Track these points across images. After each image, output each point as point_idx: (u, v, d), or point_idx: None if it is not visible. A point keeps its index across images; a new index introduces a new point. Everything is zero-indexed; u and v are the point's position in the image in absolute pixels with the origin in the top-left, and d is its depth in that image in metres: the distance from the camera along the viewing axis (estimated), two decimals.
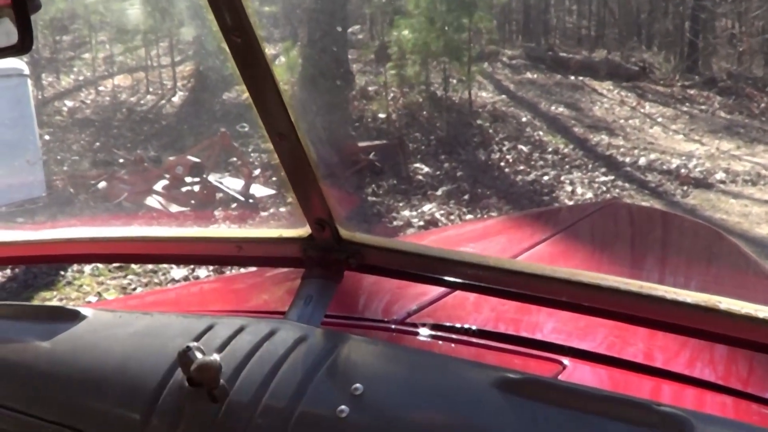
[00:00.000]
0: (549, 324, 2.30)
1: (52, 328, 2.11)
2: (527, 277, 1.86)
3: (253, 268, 3.57)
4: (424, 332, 2.17)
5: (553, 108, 19.23)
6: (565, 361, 1.98)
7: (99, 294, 8.36)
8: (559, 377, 1.89)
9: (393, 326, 2.22)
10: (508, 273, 1.88)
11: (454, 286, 2.09)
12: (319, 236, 2.01)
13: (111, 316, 2.13)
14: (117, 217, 11.16)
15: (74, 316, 2.13)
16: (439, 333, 2.16)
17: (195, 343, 1.68)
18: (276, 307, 2.48)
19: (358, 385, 1.62)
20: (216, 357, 1.65)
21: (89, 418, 1.83)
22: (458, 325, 2.17)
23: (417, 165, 13.99)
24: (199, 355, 1.64)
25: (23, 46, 1.62)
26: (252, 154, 14.20)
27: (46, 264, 8.51)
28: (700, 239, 3.92)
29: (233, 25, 1.64)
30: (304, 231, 2.04)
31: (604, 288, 1.76)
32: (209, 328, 1.88)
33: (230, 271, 7.27)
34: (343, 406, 1.58)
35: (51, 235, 2.53)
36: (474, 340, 2.11)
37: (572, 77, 22.49)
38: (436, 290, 2.38)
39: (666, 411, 1.48)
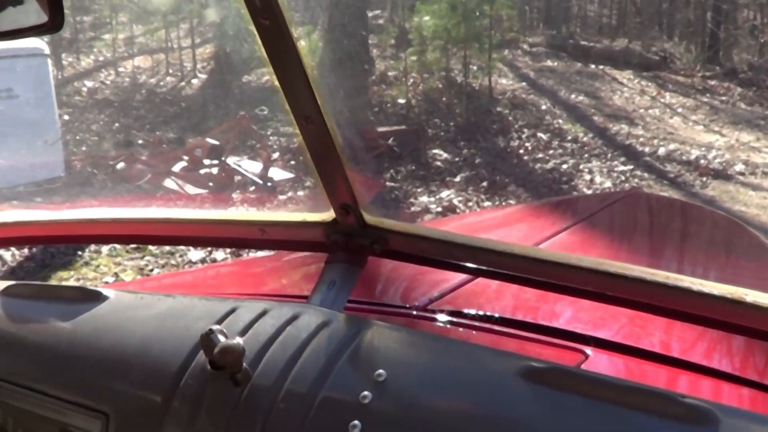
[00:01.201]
0: (570, 313, 2.29)
1: (73, 308, 2.11)
2: (553, 266, 1.85)
3: (271, 252, 3.56)
4: (445, 319, 2.16)
5: (572, 96, 19.17)
6: (588, 350, 1.97)
7: (116, 274, 8.37)
8: (582, 367, 1.88)
9: (415, 312, 2.22)
10: (533, 261, 1.87)
11: (478, 274, 2.08)
12: (343, 221, 2.00)
13: (133, 298, 2.12)
14: (135, 198, 11.16)
15: (96, 297, 2.13)
16: (461, 320, 2.15)
17: (218, 326, 1.68)
18: (297, 291, 2.48)
19: (381, 371, 1.61)
20: (239, 340, 1.64)
21: (110, 399, 1.83)
22: (480, 313, 2.16)
23: (436, 151, 13.96)
24: (222, 338, 1.64)
25: (53, 24, 1.61)
26: (271, 138, 14.20)
27: (66, 244, 8.52)
28: (721, 230, 3.90)
29: (262, 7, 1.63)
30: (327, 215, 2.03)
31: (630, 278, 1.75)
32: (232, 311, 1.87)
33: (247, 255, 7.27)
34: (365, 392, 1.58)
35: (71, 215, 2.53)
36: (496, 327, 2.11)
37: (592, 66, 22.42)
38: (458, 277, 2.37)
39: (691, 403, 1.47)
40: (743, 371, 2.03)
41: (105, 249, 8.99)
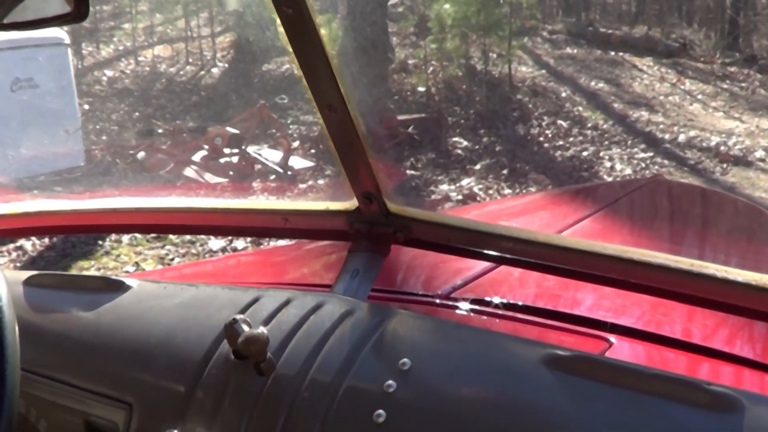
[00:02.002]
0: (593, 301, 2.28)
1: (96, 298, 2.11)
2: (576, 254, 1.84)
3: (293, 241, 3.56)
4: (468, 307, 2.16)
5: (592, 83, 19.10)
6: (611, 338, 1.96)
7: (137, 264, 8.38)
8: (606, 355, 1.88)
9: (438, 301, 2.22)
10: (557, 249, 1.87)
11: (502, 262, 2.07)
12: (366, 209, 2.00)
13: (156, 287, 2.12)
14: (156, 187, 11.18)
15: (119, 287, 2.13)
16: (484, 308, 2.15)
17: (241, 316, 1.68)
18: (320, 280, 2.48)
19: (405, 359, 1.61)
20: (263, 330, 1.64)
21: (134, 389, 1.83)
22: (503, 301, 2.16)
23: (456, 139, 13.93)
24: (245, 328, 1.64)
25: (78, 14, 1.61)
26: (291, 126, 14.20)
27: (87, 234, 8.54)
28: (744, 217, 3.89)
29: None
30: (351, 204, 2.03)
31: (655, 265, 1.74)
32: (255, 300, 1.87)
33: (267, 244, 7.27)
34: (390, 381, 1.58)
35: (92, 205, 2.53)
36: (519, 315, 2.10)
37: (612, 53, 22.33)
38: (481, 265, 2.37)
39: (716, 390, 1.47)
40: (766, 358, 2.02)
41: (125, 238, 9.00)
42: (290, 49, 1.73)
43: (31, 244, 8.87)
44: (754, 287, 1.66)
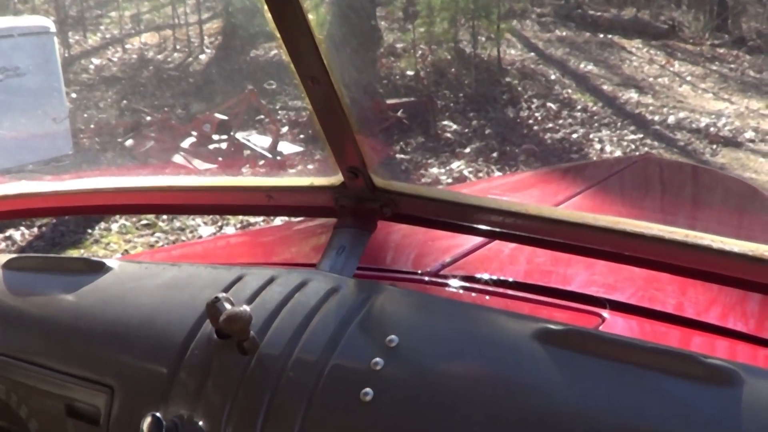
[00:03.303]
0: (586, 276, 2.25)
1: (77, 280, 2.07)
2: (569, 226, 1.80)
3: (281, 223, 3.52)
4: (458, 284, 2.12)
5: (582, 66, 19.09)
6: (604, 313, 1.93)
7: (126, 251, 8.36)
8: (599, 329, 1.84)
9: (427, 278, 2.18)
10: (548, 221, 1.83)
11: (492, 236, 2.04)
12: (351, 184, 1.96)
13: (137, 268, 2.08)
14: (144, 170, 11.16)
15: (99, 268, 2.09)
16: (474, 285, 2.11)
17: (224, 294, 1.64)
18: (307, 259, 2.44)
19: (393, 336, 1.57)
20: (245, 308, 1.60)
21: (115, 372, 1.79)
22: (494, 277, 2.12)
23: (445, 122, 13.92)
24: (228, 306, 1.60)
25: None
26: (279, 112, 14.16)
27: (73, 215, 8.52)
28: (735, 192, 3.87)
29: None
30: (336, 179, 1.98)
31: (648, 237, 1.70)
32: (238, 279, 1.83)
33: (258, 227, 7.23)
34: (377, 359, 1.54)
35: (77, 185, 2.49)
36: (510, 292, 2.07)
37: (601, 35, 22.31)
38: (470, 241, 2.34)
39: (714, 364, 1.43)
40: (760, 331, 1.99)
41: (115, 226, 8.98)
42: (272, 22, 1.68)
43: (20, 234, 8.84)
44: (750, 258, 1.62)
